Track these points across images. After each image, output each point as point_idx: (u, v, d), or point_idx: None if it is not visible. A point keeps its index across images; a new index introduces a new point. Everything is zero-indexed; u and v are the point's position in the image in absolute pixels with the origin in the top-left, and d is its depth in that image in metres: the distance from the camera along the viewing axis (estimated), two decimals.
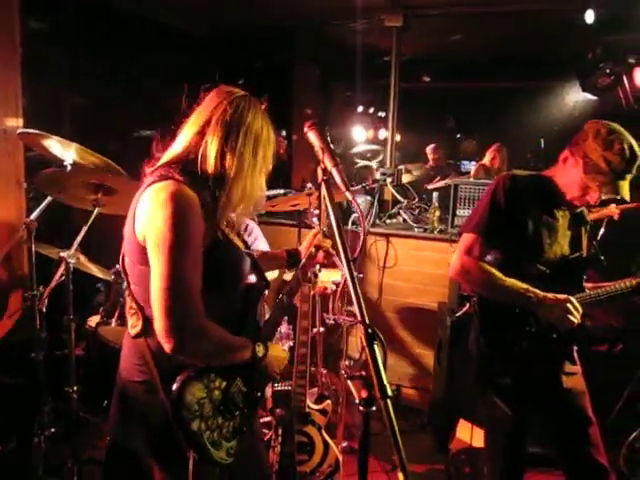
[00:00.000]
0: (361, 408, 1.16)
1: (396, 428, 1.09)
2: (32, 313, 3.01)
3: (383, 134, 8.11)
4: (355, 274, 1.22)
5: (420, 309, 4.21)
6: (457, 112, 8.54)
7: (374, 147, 6.87)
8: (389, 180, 4.55)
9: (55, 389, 3.10)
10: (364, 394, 1.15)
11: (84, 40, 4.40)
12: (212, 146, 1.52)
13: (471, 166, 8.31)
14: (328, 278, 3.33)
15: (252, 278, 1.70)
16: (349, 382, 1.53)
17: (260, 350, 1.65)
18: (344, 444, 3.40)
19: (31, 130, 2.92)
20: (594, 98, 4.85)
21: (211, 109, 1.55)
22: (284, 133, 6.99)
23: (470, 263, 2.19)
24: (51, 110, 4.28)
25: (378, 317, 4.41)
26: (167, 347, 1.42)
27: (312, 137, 1.47)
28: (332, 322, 3.50)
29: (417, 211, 4.59)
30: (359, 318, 1.16)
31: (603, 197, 2.14)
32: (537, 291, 2.13)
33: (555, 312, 2.12)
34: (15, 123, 3.71)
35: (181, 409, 1.47)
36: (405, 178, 5.11)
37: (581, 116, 5.59)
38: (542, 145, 6.09)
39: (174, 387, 1.48)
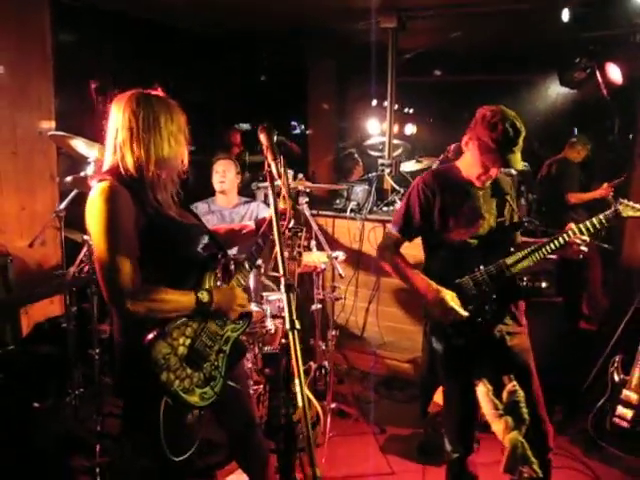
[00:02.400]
0: (282, 340, 1.55)
1: (299, 355, 1.43)
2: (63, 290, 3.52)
3: (410, 129, 8.43)
4: (283, 243, 1.62)
5: None
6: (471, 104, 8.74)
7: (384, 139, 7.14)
8: (387, 170, 4.90)
9: (83, 356, 3.59)
10: (284, 330, 1.54)
11: (108, 49, 4.86)
12: (126, 149, 1.89)
13: None
14: (318, 258, 3.73)
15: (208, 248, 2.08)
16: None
17: (204, 296, 1.94)
18: (333, 405, 3.80)
19: (60, 132, 3.40)
20: (573, 91, 5.13)
21: (114, 121, 1.93)
22: (298, 130, 7.35)
23: (385, 255, 2.59)
24: (80, 113, 4.75)
25: (377, 297, 4.80)
26: (115, 312, 1.90)
27: (262, 138, 1.85)
28: (321, 297, 3.89)
29: None
30: (281, 274, 1.56)
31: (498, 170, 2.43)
32: (426, 286, 2.45)
33: (435, 311, 2.44)
34: (48, 125, 4.20)
35: (149, 364, 1.83)
36: (414, 167, 5.43)
37: (562, 107, 5.86)
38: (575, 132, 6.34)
39: (141, 347, 1.84)
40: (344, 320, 4.94)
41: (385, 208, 4.83)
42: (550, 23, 4.23)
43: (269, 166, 1.79)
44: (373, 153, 6.98)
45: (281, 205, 2.05)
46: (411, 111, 8.92)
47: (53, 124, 4.24)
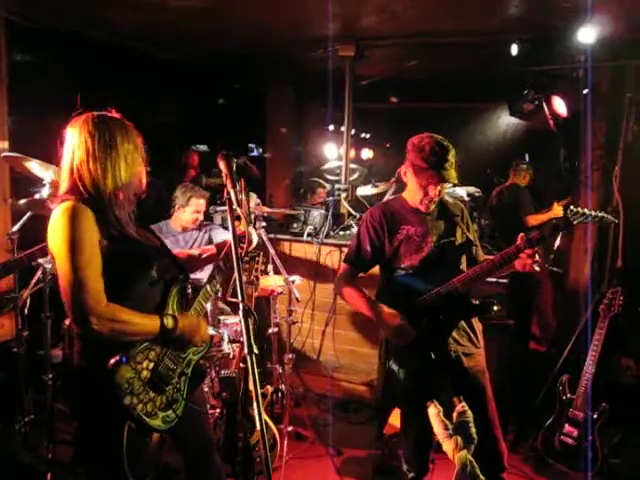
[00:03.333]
0: (241, 365, 1.58)
1: (257, 379, 1.48)
2: (15, 314, 3.44)
3: (366, 154, 8.58)
4: (242, 269, 1.66)
5: None
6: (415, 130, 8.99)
7: (341, 164, 7.26)
8: (343, 195, 4.99)
9: (35, 382, 3.51)
10: (242, 354, 1.57)
11: (64, 69, 4.82)
12: (83, 169, 1.90)
13: None
14: (275, 282, 3.77)
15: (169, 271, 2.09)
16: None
17: (169, 321, 1.94)
18: (289, 428, 3.81)
19: (14, 153, 3.35)
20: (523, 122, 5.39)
21: (70, 143, 1.95)
22: (256, 153, 7.40)
23: (340, 286, 2.74)
24: (35, 134, 4.69)
25: (333, 320, 4.84)
26: (80, 332, 1.88)
27: (221, 165, 1.90)
28: (278, 321, 3.92)
29: None
30: (240, 299, 1.59)
31: (436, 188, 2.59)
32: (380, 312, 2.58)
33: (391, 334, 2.56)
34: (1, 146, 4.14)
35: (112, 388, 1.83)
36: (372, 190, 5.53)
37: (513, 136, 6.13)
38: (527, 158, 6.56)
39: (103, 370, 1.84)
40: (300, 343, 4.96)
41: (341, 232, 4.91)
42: (500, 56, 4.43)
43: (228, 193, 1.82)
44: (330, 177, 7.07)
45: (241, 228, 2.10)
46: (367, 136, 9.09)
47: (6, 144, 4.18)
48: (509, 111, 5.18)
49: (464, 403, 2.16)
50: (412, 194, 2.70)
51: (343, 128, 8.58)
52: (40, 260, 3.17)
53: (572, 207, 2.48)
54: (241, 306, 1.57)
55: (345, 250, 4.65)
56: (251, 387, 1.45)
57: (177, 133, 7.11)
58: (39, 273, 3.24)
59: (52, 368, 3.40)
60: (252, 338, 1.52)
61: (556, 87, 4.52)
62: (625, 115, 4.26)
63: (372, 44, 4.97)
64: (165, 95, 6.39)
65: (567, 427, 3.52)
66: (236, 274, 1.63)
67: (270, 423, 3.19)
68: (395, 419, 3.62)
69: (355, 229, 4.88)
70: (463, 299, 2.58)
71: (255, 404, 1.43)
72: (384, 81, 6.60)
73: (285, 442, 3.67)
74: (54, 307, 3.34)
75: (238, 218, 1.93)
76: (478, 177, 5.69)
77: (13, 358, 3.52)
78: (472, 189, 4.77)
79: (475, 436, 2.06)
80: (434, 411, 2.17)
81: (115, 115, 2.02)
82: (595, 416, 3.42)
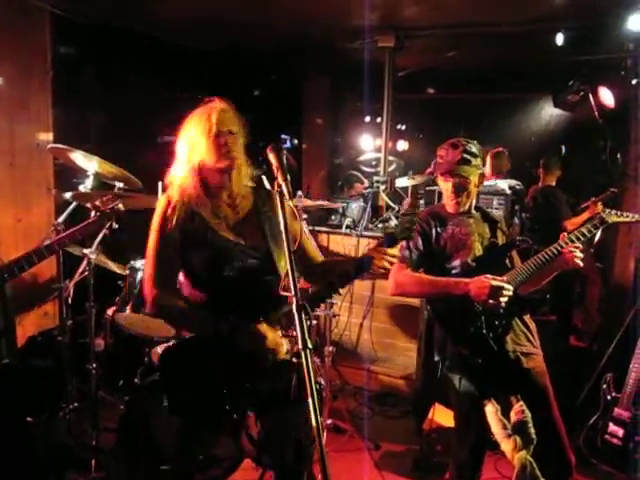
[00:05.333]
0: (293, 360, 1.56)
1: (312, 375, 1.45)
2: (60, 303, 3.50)
3: (401, 145, 8.52)
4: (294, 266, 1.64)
5: (407, 306, 4.59)
6: (465, 122, 8.85)
7: (379, 155, 7.20)
8: (382, 187, 4.94)
9: (79, 371, 3.58)
10: (295, 349, 1.56)
11: (108, 62, 4.88)
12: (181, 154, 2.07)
13: None
14: None
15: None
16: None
17: (224, 329, 1.95)
18: (329, 421, 3.81)
19: (60, 145, 3.40)
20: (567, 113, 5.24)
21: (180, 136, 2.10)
22: (289, 144, 7.39)
23: (399, 278, 2.67)
24: (78, 125, 4.76)
25: (371, 313, 4.82)
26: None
27: (271, 157, 1.86)
28: (316, 313, 3.90)
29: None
30: (293, 294, 1.57)
31: (447, 182, 2.65)
32: (458, 281, 2.53)
33: (483, 296, 2.45)
34: (46, 137, 4.20)
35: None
36: (409, 182, 5.49)
37: (555, 129, 5.96)
38: (564, 151, 6.45)
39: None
40: (338, 336, 4.95)
41: (380, 225, 4.87)
42: (545, 46, 4.32)
43: (280, 186, 1.80)
44: (366, 169, 7.05)
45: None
46: (403, 127, 9.01)
47: (51, 136, 4.25)
48: (553, 102, 5.05)
49: (522, 402, 2.11)
50: (445, 198, 2.78)
51: (379, 120, 8.60)
52: (85, 250, 3.22)
53: (607, 209, 2.62)
54: (294, 300, 1.56)
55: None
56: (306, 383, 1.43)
57: None
58: (84, 263, 3.28)
59: (95, 357, 3.45)
60: (306, 333, 1.51)
61: (603, 77, 4.38)
62: None
63: (412, 34, 4.90)
64: (200, 87, 6.43)
65: (612, 427, 3.44)
66: (288, 267, 1.61)
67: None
68: (436, 415, 3.60)
69: (394, 221, 4.84)
70: (515, 296, 2.52)
71: (310, 401, 1.41)
72: (422, 72, 6.53)
73: (324, 435, 3.67)
74: (97, 297, 3.43)
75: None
76: (519, 169, 5.56)
77: (57, 346, 3.60)
78: (513, 182, 4.67)
79: (534, 437, 2.02)
80: (492, 409, 2.12)
81: (222, 104, 2.12)
82: None
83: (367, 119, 8.16)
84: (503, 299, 2.43)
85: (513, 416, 2.08)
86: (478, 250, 2.65)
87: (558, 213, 5.31)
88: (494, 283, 2.42)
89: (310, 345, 1.49)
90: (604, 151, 4.79)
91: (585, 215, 5.36)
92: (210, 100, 2.10)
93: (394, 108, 5.47)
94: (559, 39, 4.18)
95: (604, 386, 3.55)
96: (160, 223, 2.07)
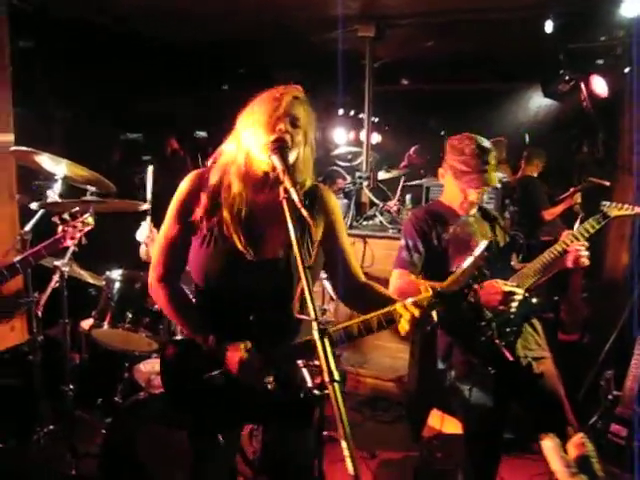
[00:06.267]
0: (316, 392, 1.36)
1: (343, 410, 1.27)
2: (29, 318, 3.21)
3: (375, 138, 8.32)
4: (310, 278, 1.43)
5: None
6: (439, 112, 8.74)
7: (355, 149, 7.03)
8: (365, 183, 4.76)
9: (52, 389, 3.28)
10: (317, 380, 1.36)
11: (69, 56, 4.58)
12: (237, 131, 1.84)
13: None
14: None
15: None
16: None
17: (209, 340, 1.75)
18: (324, 433, 3.61)
19: (24, 148, 3.10)
20: (556, 103, 5.12)
21: None
22: None
23: (403, 287, 2.46)
24: (41, 124, 4.46)
25: (358, 314, 4.63)
26: None
27: (275, 160, 1.65)
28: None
29: (395, 210, 4.78)
30: (312, 317, 1.37)
31: (476, 192, 2.48)
32: None
33: (493, 303, 2.31)
34: (7, 138, 3.88)
35: None
36: (384, 176, 5.33)
37: (544, 119, 5.85)
38: (527, 139, 6.33)
39: None
40: None
41: (365, 222, 4.69)
42: (533, 33, 4.18)
43: (287, 192, 1.57)
44: (342, 164, 6.85)
45: None
46: (376, 120, 8.86)
47: (12, 137, 3.93)
48: (543, 92, 4.92)
49: (582, 434, 1.95)
50: (451, 197, 2.59)
51: (352, 112, 8.43)
52: (57, 262, 2.95)
53: (607, 203, 2.52)
54: (315, 325, 1.35)
55: (371, 241, 4.60)
56: (337, 422, 1.24)
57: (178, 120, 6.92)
58: (56, 276, 3.01)
59: (70, 373, 3.19)
60: (332, 363, 1.31)
61: (595, 66, 4.26)
62: None
63: (393, 23, 4.71)
64: (166, 82, 6.19)
65: (614, 426, 3.34)
66: (305, 285, 1.41)
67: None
68: (435, 421, 3.45)
69: (379, 218, 4.67)
70: (523, 298, 2.38)
71: (344, 444, 1.22)
72: (398, 62, 6.37)
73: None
74: (70, 309, 3.16)
75: None
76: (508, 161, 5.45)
77: (27, 364, 3.31)
78: (500, 175, 4.54)
79: (601, 473, 1.86)
80: (551, 444, 1.96)
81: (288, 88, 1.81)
82: None
83: (340, 112, 7.99)
84: (514, 304, 2.31)
85: (573, 450, 1.91)
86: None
87: (536, 202, 5.25)
88: (506, 288, 2.28)
89: (338, 377, 1.30)
90: (595, 142, 4.71)
91: (563, 205, 5.31)
92: (287, 85, 1.81)
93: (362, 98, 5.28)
94: (548, 26, 4.04)
95: (604, 384, 3.45)
96: (182, 203, 1.84)
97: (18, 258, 2.43)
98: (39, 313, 3.28)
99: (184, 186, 1.84)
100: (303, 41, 5.78)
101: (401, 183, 5.41)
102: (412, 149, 6.91)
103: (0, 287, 3.71)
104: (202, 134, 8.12)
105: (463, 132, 2.56)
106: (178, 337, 2.06)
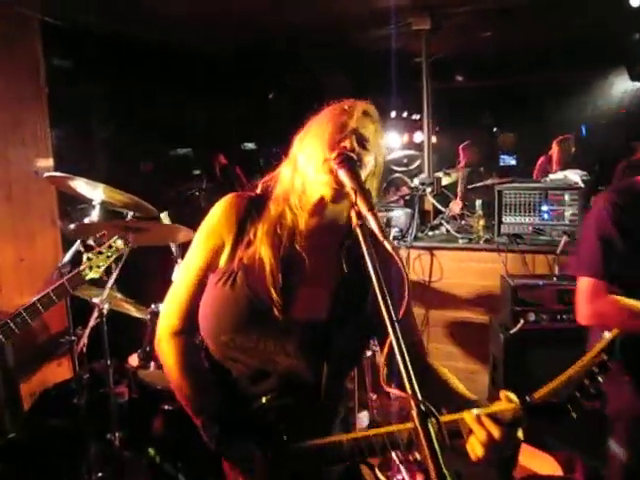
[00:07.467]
0: None
1: None
2: (72, 358, 2.98)
3: (419, 137, 7.91)
4: (400, 336, 1.05)
5: (469, 323, 4.01)
6: (494, 109, 8.28)
7: (410, 152, 6.65)
8: (429, 190, 4.35)
9: (100, 431, 3.05)
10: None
11: (107, 74, 4.39)
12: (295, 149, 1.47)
13: (511, 159, 8.16)
14: None
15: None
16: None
17: (207, 426, 1.31)
18: (399, 477, 3.22)
19: (58, 173, 2.89)
20: None
21: None
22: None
23: (600, 307, 1.89)
24: (81, 147, 4.27)
25: (426, 333, 4.23)
26: None
27: (342, 175, 1.28)
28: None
29: (461, 216, 4.38)
30: (409, 392, 1.00)
31: None
32: None
33: None
34: (46, 163, 3.70)
35: None
36: (445, 180, 4.94)
37: (631, 106, 5.23)
38: (583, 132, 5.83)
39: None
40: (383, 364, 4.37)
41: (430, 233, 4.27)
42: (615, 11, 3.68)
43: (360, 217, 1.20)
44: (397, 169, 6.49)
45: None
46: (418, 117, 8.51)
47: (51, 162, 3.73)
48: (629, 75, 4.39)
49: None
50: None
51: (405, 114, 8.06)
52: (95, 300, 2.68)
53: None
54: (414, 405, 0.98)
55: (438, 253, 4.19)
56: None
57: (228, 132, 6.76)
58: (95, 314, 2.74)
59: (118, 411, 2.93)
60: (441, 461, 0.93)
61: None
62: None
63: (449, 12, 4.28)
64: (212, 93, 6.02)
65: None
66: (395, 346, 1.04)
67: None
68: (526, 459, 3.02)
69: (445, 227, 4.24)
70: None
71: None
72: (453, 58, 5.95)
73: None
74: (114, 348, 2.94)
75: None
76: (589, 158, 4.94)
77: (74, 404, 3.08)
78: (581, 172, 4.09)
79: None
80: None
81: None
82: None
83: (393, 114, 7.64)
84: None
85: None
86: None
87: None
88: None
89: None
90: None
91: None
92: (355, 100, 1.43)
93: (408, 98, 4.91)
94: (634, 1, 3.50)
95: None
96: (213, 230, 1.41)
97: (37, 297, 2.15)
98: (83, 349, 3.06)
99: (218, 210, 1.42)
100: (346, 42, 5.45)
101: (459, 183, 5.00)
102: (462, 145, 6.56)
103: (44, 324, 3.62)
104: (250, 145, 7.94)
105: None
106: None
